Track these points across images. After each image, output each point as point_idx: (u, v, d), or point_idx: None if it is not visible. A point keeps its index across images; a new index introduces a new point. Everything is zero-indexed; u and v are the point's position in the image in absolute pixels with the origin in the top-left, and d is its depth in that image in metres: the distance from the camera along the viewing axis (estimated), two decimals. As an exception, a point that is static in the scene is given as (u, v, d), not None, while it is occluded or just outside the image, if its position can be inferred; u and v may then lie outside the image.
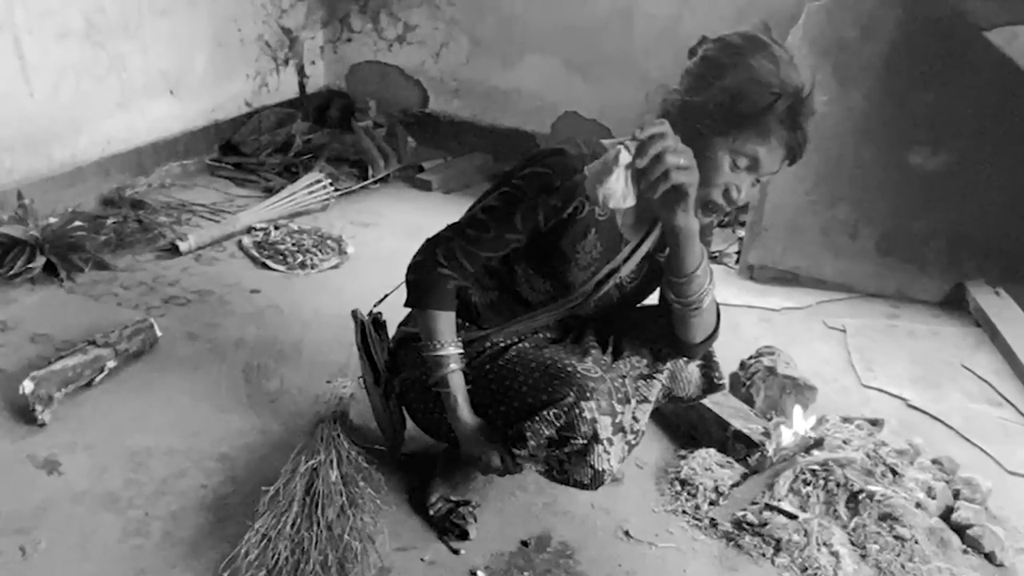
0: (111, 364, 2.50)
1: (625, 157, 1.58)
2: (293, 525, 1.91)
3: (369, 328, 2.22)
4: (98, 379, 2.47)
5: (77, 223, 3.25)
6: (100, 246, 3.27)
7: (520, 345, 2.03)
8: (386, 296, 2.27)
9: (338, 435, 2.11)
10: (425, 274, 1.93)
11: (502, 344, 2.03)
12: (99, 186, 3.72)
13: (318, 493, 1.96)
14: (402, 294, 2.00)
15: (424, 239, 1.98)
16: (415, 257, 1.97)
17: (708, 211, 1.79)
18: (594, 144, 1.86)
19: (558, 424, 1.80)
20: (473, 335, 2.02)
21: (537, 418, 1.81)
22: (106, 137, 3.76)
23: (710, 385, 2.22)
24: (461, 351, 1.95)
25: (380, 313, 2.27)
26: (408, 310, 2.17)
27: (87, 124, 3.66)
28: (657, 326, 2.08)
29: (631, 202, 1.61)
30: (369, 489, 2.03)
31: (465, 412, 1.94)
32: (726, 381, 2.26)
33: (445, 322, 1.94)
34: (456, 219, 1.97)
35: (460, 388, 1.94)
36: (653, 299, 2.14)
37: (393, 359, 2.16)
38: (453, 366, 1.93)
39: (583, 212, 1.85)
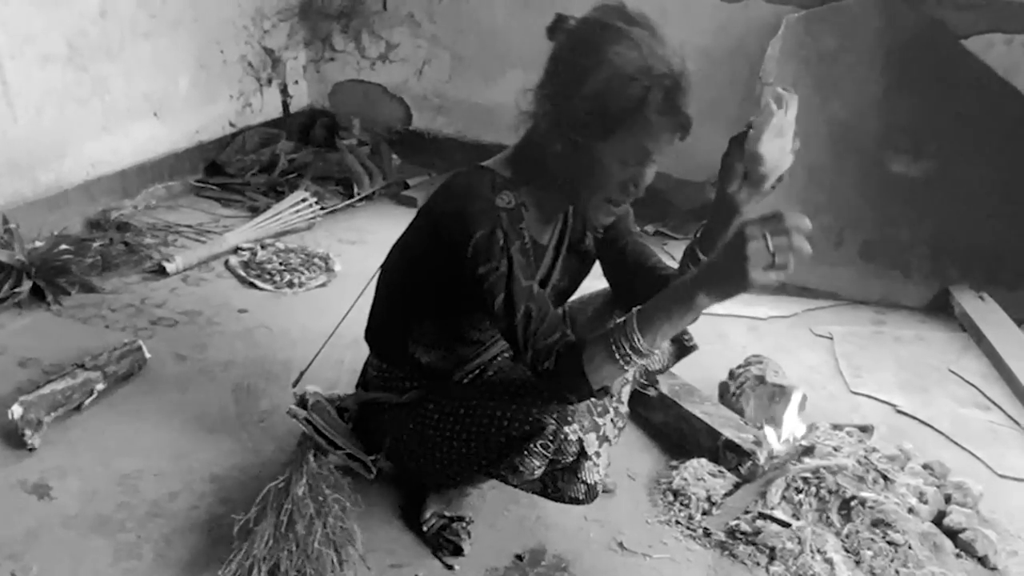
0: (100, 387, 2.49)
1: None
2: (266, 544, 1.91)
3: (318, 423, 2.11)
4: (87, 402, 2.46)
5: (63, 246, 3.23)
6: (87, 269, 3.26)
7: (486, 376, 2.04)
8: (302, 374, 2.22)
9: (313, 453, 2.09)
10: (559, 366, 1.70)
11: (466, 382, 2.04)
12: (84, 209, 3.71)
13: (286, 511, 1.96)
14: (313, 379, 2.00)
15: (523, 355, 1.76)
16: (546, 377, 1.73)
17: (615, 205, 1.77)
18: (497, 185, 1.77)
19: (547, 454, 1.80)
20: (436, 385, 2.02)
21: (526, 452, 1.80)
22: (90, 160, 3.75)
23: (682, 348, 2.22)
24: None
25: (305, 394, 2.18)
26: (361, 368, 2.19)
27: (71, 148, 3.65)
28: (621, 307, 2.11)
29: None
30: (336, 494, 2.02)
31: (699, 279, 1.55)
32: (696, 342, 2.25)
33: (600, 348, 1.65)
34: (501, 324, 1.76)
35: (673, 298, 1.58)
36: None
37: (364, 426, 2.14)
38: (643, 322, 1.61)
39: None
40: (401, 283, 2.00)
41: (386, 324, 2.07)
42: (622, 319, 1.64)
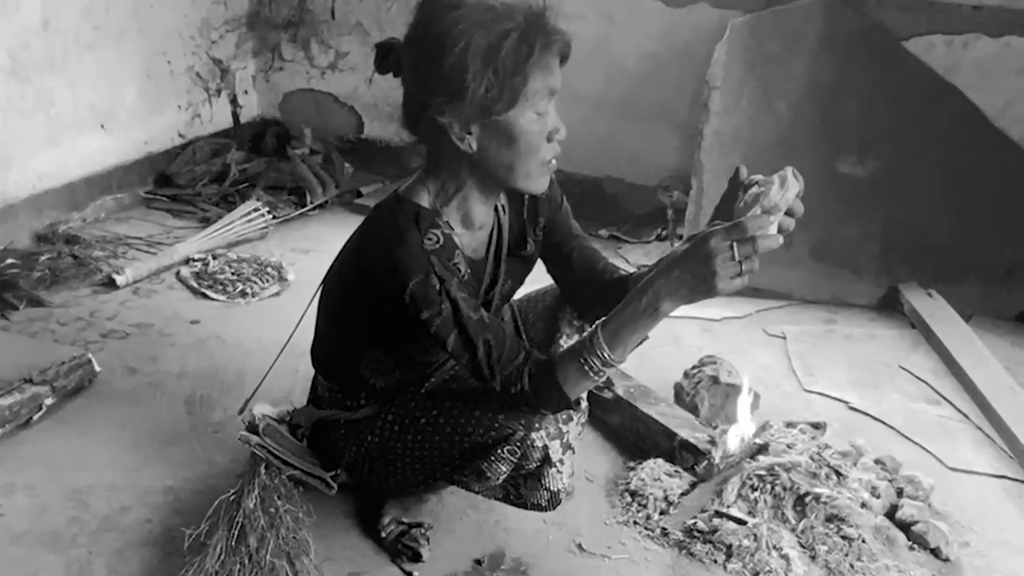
0: (49, 401, 2.45)
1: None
2: (218, 558, 1.89)
3: (272, 447, 2.08)
4: (36, 417, 2.43)
5: (9, 261, 3.18)
6: (34, 283, 3.21)
7: (444, 384, 2.04)
8: (248, 401, 2.20)
9: (264, 465, 2.07)
10: (532, 386, 1.73)
11: (423, 391, 2.03)
12: (31, 223, 3.65)
13: (238, 524, 1.94)
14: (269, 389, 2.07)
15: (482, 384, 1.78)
16: (521, 398, 1.75)
17: (550, 166, 1.76)
18: (422, 222, 1.74)
19: (514, 460, 1.81)
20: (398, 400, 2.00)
21: (493, 456, 1.81)
22: (37, 173, 3.69)
23: None
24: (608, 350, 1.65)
25: (254, 419, 2.14)
26: (310, 387, 2.17)
27: (16, 161, 3.59)
28: (572, 305, 2.14)
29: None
30: (289, 505, 2.00)
31: (662, 289, 1.58)
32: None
33: (572, 366, 1.69)
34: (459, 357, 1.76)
35: (637, 310, 1.60)
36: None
37: (320, 441, 2.12)
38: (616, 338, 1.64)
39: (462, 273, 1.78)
40: (344, 315, 1.98)
41: (334, 352, 2.05)
42: (587, 334, 1.67)
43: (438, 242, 1.73)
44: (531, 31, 1.60)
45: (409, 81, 1.74)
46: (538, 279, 2.18)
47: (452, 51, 1.60)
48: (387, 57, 1.76)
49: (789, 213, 1.58)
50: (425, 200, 1.79)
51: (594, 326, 1.67)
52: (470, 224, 1.86)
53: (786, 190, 1.53)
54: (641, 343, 1.70)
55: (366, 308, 1.86)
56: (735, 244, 1.48)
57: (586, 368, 1.67)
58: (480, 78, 1.60)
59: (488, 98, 1.62)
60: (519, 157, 1.71)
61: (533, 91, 1.64)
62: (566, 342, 2.11)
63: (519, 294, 2.19)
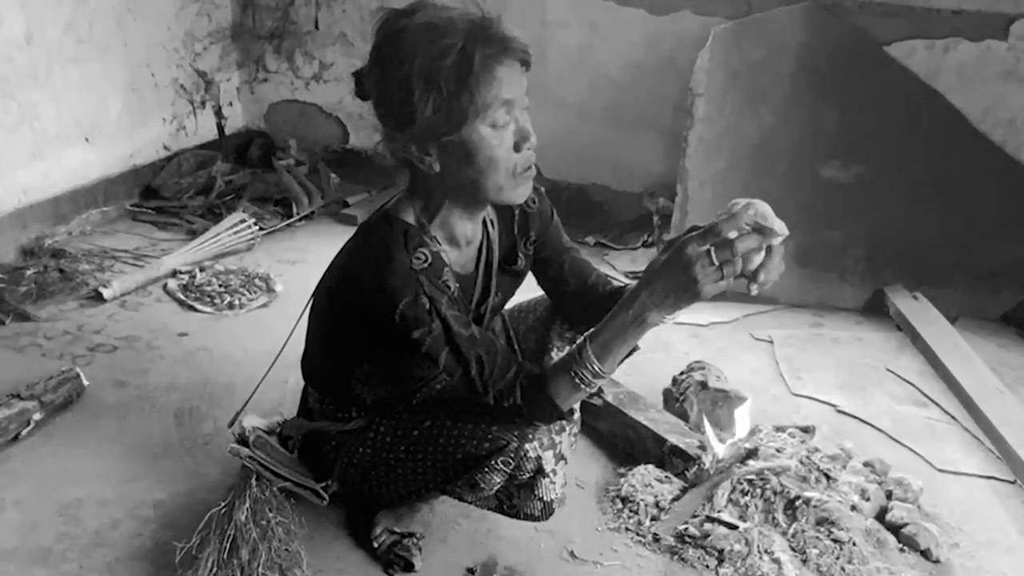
0: (37, 416, 2.44)
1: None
2: (210, 572, 1.88)
3: (262, 458, 2.07)
4: (24, 433, 2.41)
5: (-5, 275, 3.18)
6: (21, 297, 3.19)
7: (438, 396, 2.03)
8: (238, 414, 2.19)
9: (255, 477, 2.06)
10: (524, 400, 1.74)
11: (414, 402, 2.02)
12: (17, 237, 3.63)
13: (229, 536, 1.93)
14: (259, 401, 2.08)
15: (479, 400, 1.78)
16: (514, 411, 1.77)
17: (526, 175, 1.73)
18: (410, 241, 1.74)
19: (508, 471, 1.81)
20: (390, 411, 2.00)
21: (486, 467, 1.81)
22: (21, 187, 3.67)
23: None
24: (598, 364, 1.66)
25: (244, 431, 2.13)
26: (300, 399, 2.17)
27: (1, 175, 3.57)
28: (563, 316, 2.14)
29: None
30: (280, 517, 2.00)
31: (647, 301, 1.57)
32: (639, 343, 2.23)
33: (563, 380, 1.71)
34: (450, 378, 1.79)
35: (625, 322, 1.61)
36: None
37: (311, 452, 2.11)
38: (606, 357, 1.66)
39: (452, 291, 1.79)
40: (333, 332, 1.97)
41: (325, 365, 2.05)
42: (575, 347, 1.68)
43: (426, 261, 1.73)
44: (471, 45, 1.56)
45: (373, 107, 1.74)
46: (528, 288, 2.19)
47: (397, 77, 1.60)
48: (362, 84, 1.77)
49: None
50: (411, 217, 1.78)
51: (582, 338, 1.67)
52: (455, 241, 1.85)
53: (776, 222, 1.53)
54: (631, 353, 1.70)
55: (356, 326, 1.85)
56: (712, 249, 1.49)
57: (577, 381, 1.68)
58: (425, 101, 1.58)
59: (436, 119, 1.60)
60: (482, 173, 1.68)
61: (483, 105, 1.60)
62: (557, 354, 2.12)
63: (510, 304, 2.19)
